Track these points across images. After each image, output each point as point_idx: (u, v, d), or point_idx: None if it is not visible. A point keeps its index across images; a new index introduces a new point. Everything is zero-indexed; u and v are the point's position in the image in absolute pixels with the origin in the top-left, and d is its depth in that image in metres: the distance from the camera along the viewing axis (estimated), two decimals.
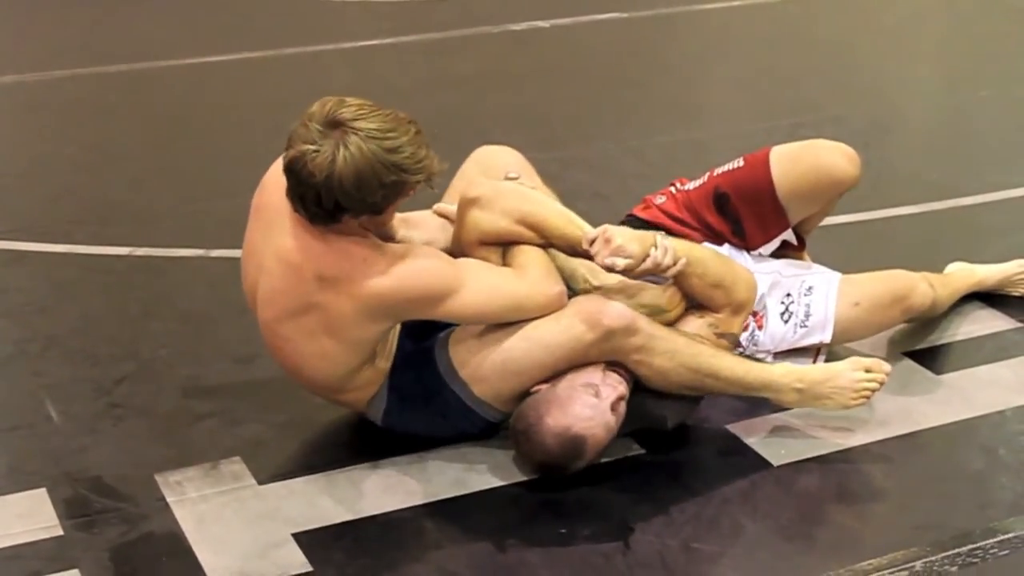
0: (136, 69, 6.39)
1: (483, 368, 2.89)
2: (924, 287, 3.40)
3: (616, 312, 2.85)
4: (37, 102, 6.01)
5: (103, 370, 3.43)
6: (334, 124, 2.66)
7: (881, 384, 2.97)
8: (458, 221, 3.02)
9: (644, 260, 2.91)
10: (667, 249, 2.93)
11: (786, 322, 3.31)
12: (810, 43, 7.03)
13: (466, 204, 2.99)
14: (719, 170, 3.42)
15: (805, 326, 3.31)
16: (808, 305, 3.31)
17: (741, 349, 3.32)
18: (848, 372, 2.98)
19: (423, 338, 2.99)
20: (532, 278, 2.90)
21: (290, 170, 2.70)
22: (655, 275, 2.98)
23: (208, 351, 3.54)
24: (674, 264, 2.94)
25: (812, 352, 3.35)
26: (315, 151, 2.64)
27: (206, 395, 3.30)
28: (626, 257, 2.88)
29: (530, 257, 2.94)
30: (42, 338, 3.62)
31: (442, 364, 2.92)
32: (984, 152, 5.12)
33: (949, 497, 2.86)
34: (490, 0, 7.92)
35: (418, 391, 2.95)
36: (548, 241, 2.98)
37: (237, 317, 3.71)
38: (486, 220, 2.96)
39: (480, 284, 2.86)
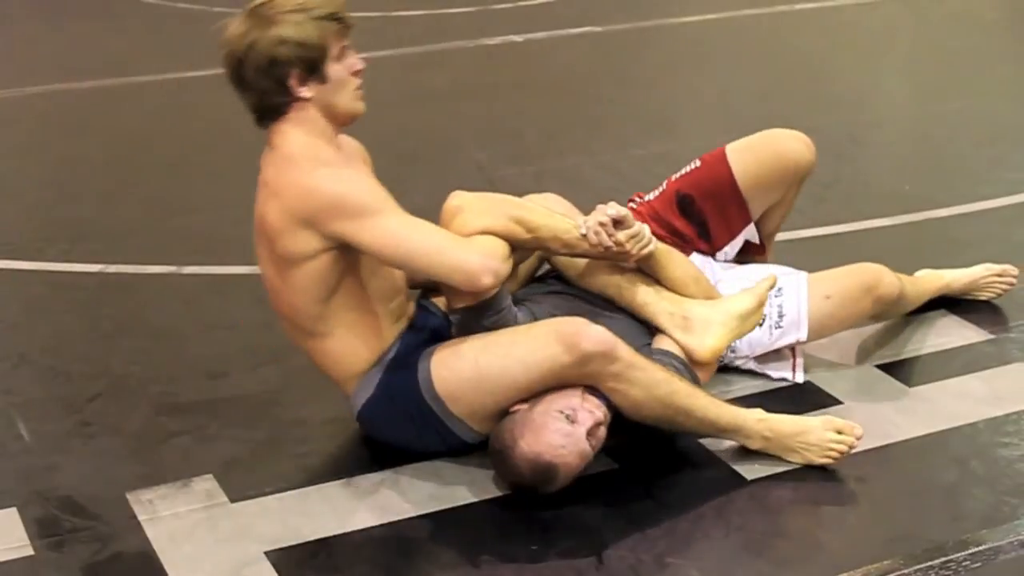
0: (107, 85, 6.38)
1: (459, 384, 2.88)
2: (891, 276, 3.43)
3: (596, 337, 2.83)
4: (7, 118, 5.99)
5: (74, 388, 3.42)
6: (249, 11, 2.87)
7: (851, 448, 2.94)
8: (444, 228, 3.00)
9: (633, 222, 2.99)
10: (647, 232, 3.04)
11: (760, 325, 3.31)
12: (783, 56, 7.07)
13: (451, 212, 2.97)
14: (676, 175, 3.49)
15: (780, 327, 3.32)
16: (780, 306, 3.33)
17: (720, 360, 3.33)
18: (819, 431, 2.96)
19: (421, 342, 2.98)
20: (470, 242, 2.88)
21: (225, 66, 2.86)
22: (624, 257, 3.03)
23: (180, 368, 3.52)
24: (649, 243, 3.02)
25: (790, 353, 3.37)
26: (229, 27, 2.85)
27: (178, 412, 3.28)
28: (621, 211, 2.96)
29: (484, 236, 2.92)
30: (12, 356, 3.61)
31: (422, 376, 2.91)
32: (956, 165, 5.15)
33: (921, 509, 2.86)
34: (464, 15, 7.93)
35: (399, 394, 2.94)
36: (537, 237, 2.98)
37: (209, 334, 3.71)
38: (474, 221, 2.93)
39: (406, 219, 2.84)
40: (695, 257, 3.42)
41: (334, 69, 2.86)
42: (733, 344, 3.32)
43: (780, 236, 3.84)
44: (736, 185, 3.41)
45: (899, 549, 2.69)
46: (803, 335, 3.32)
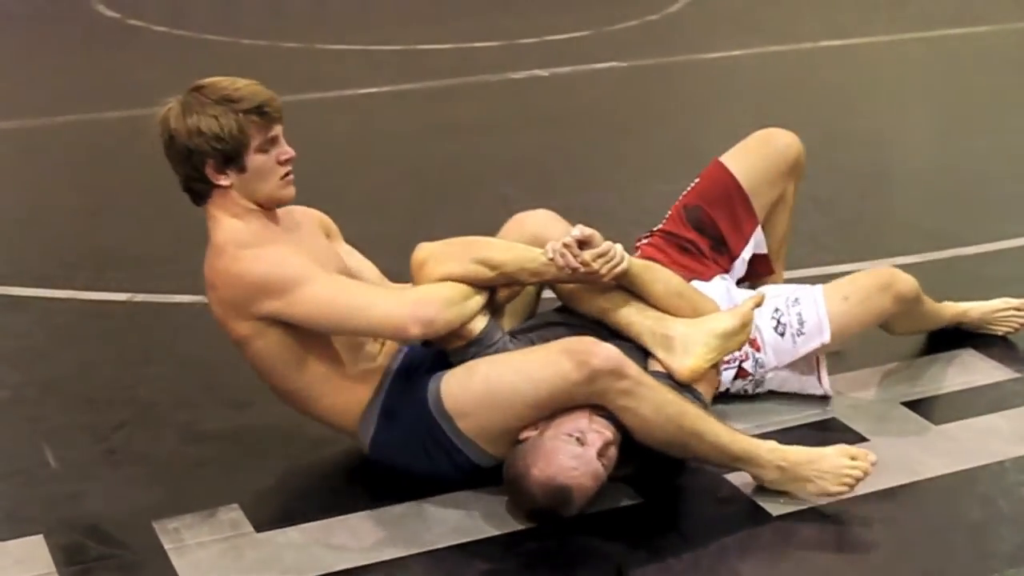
0: (136, 115, 6.39)
1: (469, 400, 2.89)
2: (905, 275, 3.47)
3: (605, 354, 2.84)
4: (36, 148, 6.03)
5: (101, 416, 3.43)
6: None
7: (865, 474, 2.91)
8: (415, 283, 3.03)
9: (601, 241, 2.97)
10: (619, 251, 3.01)
11: (782, 335, 3.34)
12: (809, 93, 7.07)
13: (417, 264, 3.02)
14: (680, 198, 3.62)
15: (802, 333, 3.35)
16: (800, 313, 3.36)
17: (751, 376, 3.35)
18: (833, 458, 2.94)
19: (419, 368, 3.00)
20: (403, 293, 2.95)
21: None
22: (596, 278, 3.01)
23: (207, 397, 3.53)
24: (620, 261, 3.00)
25: (814, 363, 3.38)
26: (165, 106, 2.94)
27: (204, 441, 3.29)
28: (586, 232, 2.96)
29: (430, 284, 2.95)
30: (40, 383, 3.62)
31: (431, 397, 2.92)
32: (982, 202, 5.14)
33: (948, 548, 2.85)
34: (490, 49, 7.97)
35: (406, 412, 2.95)
36: (504, 273, 2.99)
37: (236, 363, 3.69)
38: (437, 270, 2.97)
39: (331, 282, 2.89)
40: (715, 282, 3.45)
41: (256, 160, 2.91)
42: (759, 360, 3.33)
43: (806, 272, 3.86)
44: (738, 182, 3.55)
45: None
46: (826, 337, 3.34)
